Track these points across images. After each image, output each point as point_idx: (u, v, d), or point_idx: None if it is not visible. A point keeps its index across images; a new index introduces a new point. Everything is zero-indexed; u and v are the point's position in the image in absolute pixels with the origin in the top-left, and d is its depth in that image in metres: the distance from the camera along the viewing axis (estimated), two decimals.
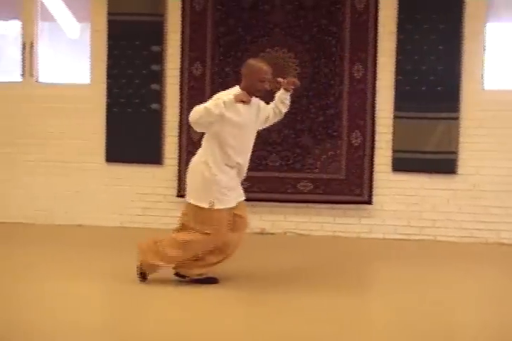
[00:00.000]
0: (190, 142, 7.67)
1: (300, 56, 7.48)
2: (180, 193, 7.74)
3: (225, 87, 7.44)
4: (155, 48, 7.74)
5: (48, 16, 8.17)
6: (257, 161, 7.30)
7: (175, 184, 7.77)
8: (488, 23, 7.40)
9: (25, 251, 6.52)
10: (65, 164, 8.01)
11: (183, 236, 5.19)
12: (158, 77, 7.75)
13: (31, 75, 8.08)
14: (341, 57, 7.41)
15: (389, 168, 7.47)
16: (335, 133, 7.47)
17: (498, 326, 4.41)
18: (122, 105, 7.80)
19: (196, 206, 5.18)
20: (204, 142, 5.31)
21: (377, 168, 7.46)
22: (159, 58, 7.74)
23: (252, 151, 5.45)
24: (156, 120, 7.79)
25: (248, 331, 4.23)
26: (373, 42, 7.38)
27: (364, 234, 7.52)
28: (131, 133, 7.78)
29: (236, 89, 5.25)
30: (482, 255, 6.83)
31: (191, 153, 7.56)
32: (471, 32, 7.32)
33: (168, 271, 5.32)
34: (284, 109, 5.52)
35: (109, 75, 7.81)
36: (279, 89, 5.50)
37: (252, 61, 5.35)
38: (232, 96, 5.02)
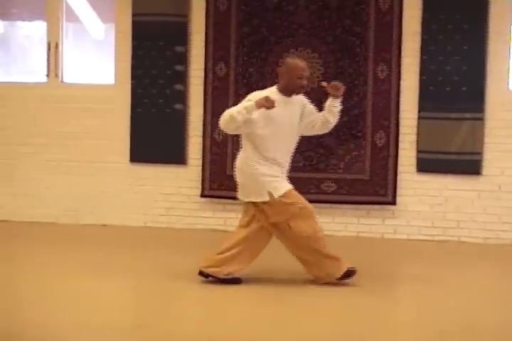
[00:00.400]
0: (214, 142, 7.69)
1: (324, 56, 7.48)
2: (204, 193, 7.77)
3: (249, 87, 7.54)
4: (179, 49, 7.76)
5: (72, 17, 8.23)
6: None
7: (198, 184, 7.79)
8: None
9: (50, 250, 6.56)
10: (89, 164, 8.06)
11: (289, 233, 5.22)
12: (182, 77, 7.78)
13: (56, 76, 8.14)
14: (365, 57, 7.40)
15: (413, 168, 7.45)
16: (359, 134, 7.46)
17: None
18: (146, 105, 7.84)
19: (262, 202, 5.19)
20: (241, 142, 5.35)
21: (401, 168, 7.44)
22: (183, 59, 7.77)
23: None
24: (180, 120, 7.82)
25: (273, 330, 4.23)
26: (397, 43, 7.36)
27: (388, 234, 7.51)
28: (155, 133, 7.82)
29: (271, 90, 5.26)
30: (507, 256, 6.79)
31: (215, 154, 7.69)
32: (496, 32, 7.28)
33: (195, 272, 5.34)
34: (332, 119, 5.38)
35: (134, 76, 7.85)
36: (325, 88, 5.34)
37: (288, 59, 5.36)
38: (253, 102, 5.02)
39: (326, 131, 5.54)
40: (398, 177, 7.43)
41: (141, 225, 7.92)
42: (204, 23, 7.70)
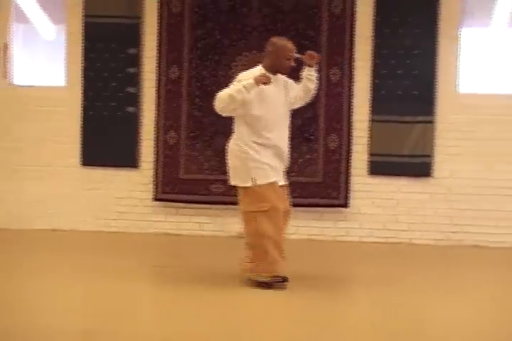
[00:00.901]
0: (167, 145, 7.65)
1: None
2: (156, 197, 7.71)
3: (202, 90, 7.53)
4: (131, 51, 7.70)
5: (22, 18, 8.09)
6: None
7: (151, 188, 7.72)
8: (463, 28, 7.48)
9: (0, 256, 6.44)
10: (39, 168, 7.92)
11: (252, 226, 5.17)
12: (135, 79, 7.72)
13: (5, 77, 8.00)
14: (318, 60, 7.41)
15: (365, 171, 7.51)
16: (312, 137, 7.49)
17: (474, 325, 4.44)
18: (98, 108, 7.75)
19: (243, 187, 5.17)
20: (235, 124, 5.28)
21: (353, 171, 7.50)
22: (136, 61, 7.71)
23: None
24: (133, 123, 7.75)
25: (228, 332, 4.21)
26: (350, 46, 7.42)
27: (340, 237, 7.55)
28: (107, 136, 7.73)
29: (259, 69, 5.21)
30: (457, 257, 6.88)
31: (167, 157, 7.64)
32: (446, 36, 7.40)
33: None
34: (312, 86, 5.41)
35: (85, 78, 7.76)
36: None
37: (275, 39, 5.30)
38: (252, 80, 5.00)
39: (308, 99, 5.54)
40: (350, 180, 7.48)
41: (92, 229, 7.81)
42: (157, 25, 7.65)
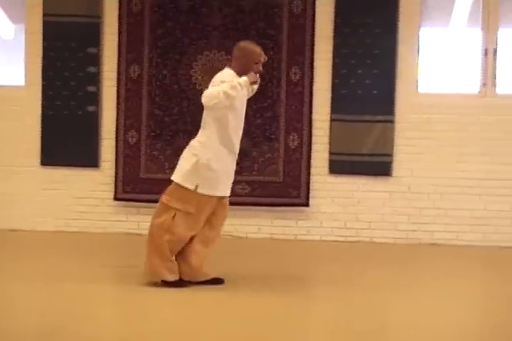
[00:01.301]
0: (127, 145, 7.62)
1: None
2: (117, 196, 7.68)
3: (163, 89, 7.51)
4: (91, 50, 7.66)
5: None
6: None
7: (112, 187, 7.69)
8: (422, 28, 7.55)
9: None
10: None
11: (166, 219, 5.13)
12: (95, 79, 7.68)
13: None
14: (279, 60, 7.45)
15: (326, 170, 7.54)
16: (272, 136, 7.51)
17: (435, 321, 4.48)
18: (58, 107, 7.70)
19: (181, 186, 5.12)
20: (204, 124, 5.18)
21: (314, 170, 7.53)
22: (96, 60, 7.67)
23: None
24: (93, 122, 7.70)
25: (186, 332, 4.21)
26: (310, 46, 7.45)
27: (301, 236, 7.57)
28: (67, 135, 7.68)
29: (229, 72, 5.17)
30: (416, 255, 6.95)
31: (128, 156, 7.62)
32: (406, 36, 7.46)
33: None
34: (256, 87, 5.43)
35: (45, 77, 7.70)
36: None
37: (243, 43, 5.28)
38: (246, 78, 5.03)
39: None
40: (311, 179, 7.51)
41: (52, 230, 7.76)
42: (117, 24, 7.61)
